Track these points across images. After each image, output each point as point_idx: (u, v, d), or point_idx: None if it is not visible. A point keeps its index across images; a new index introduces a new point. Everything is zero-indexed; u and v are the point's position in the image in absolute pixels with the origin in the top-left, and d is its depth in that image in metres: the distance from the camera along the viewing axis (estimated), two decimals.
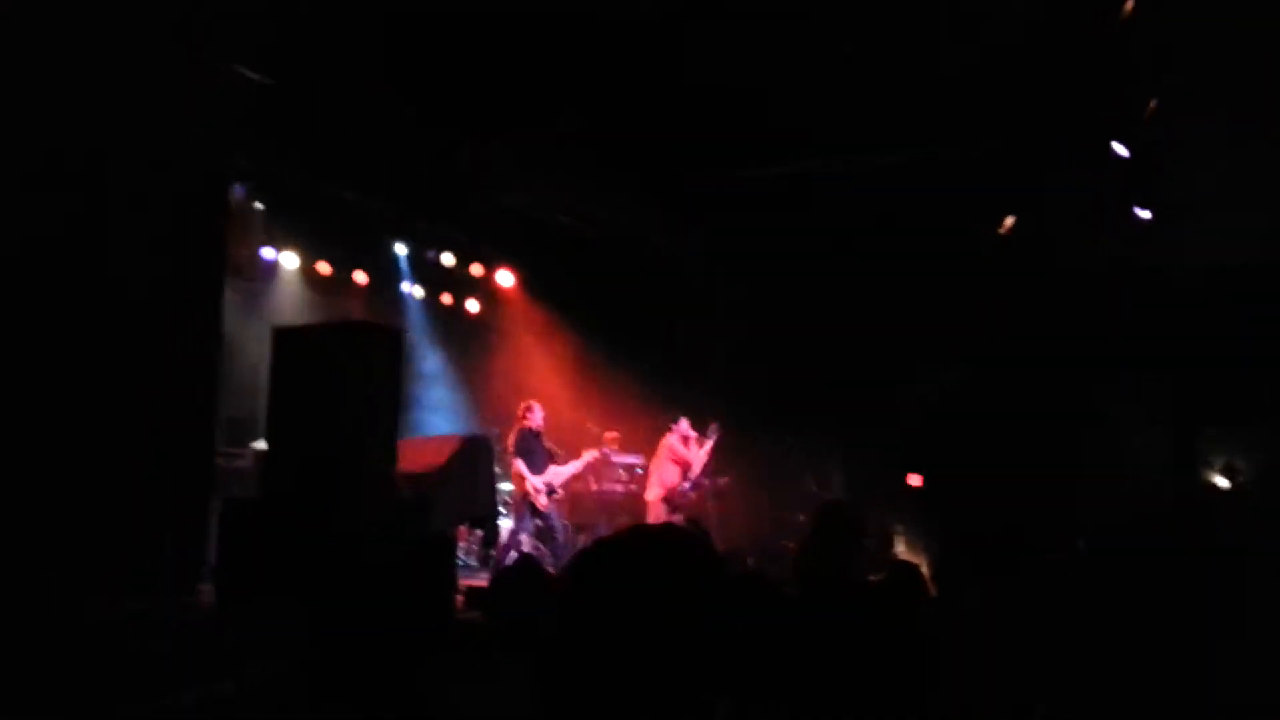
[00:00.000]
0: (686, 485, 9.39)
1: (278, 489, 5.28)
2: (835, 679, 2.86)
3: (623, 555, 1.32)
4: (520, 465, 8.66)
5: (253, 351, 8.90)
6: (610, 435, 9.95)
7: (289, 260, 9.72)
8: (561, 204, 10.47)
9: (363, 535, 4.92)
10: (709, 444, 9.36)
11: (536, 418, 8.80)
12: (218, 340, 6.28)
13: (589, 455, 9.23)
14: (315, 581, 4.69)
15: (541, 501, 8.63)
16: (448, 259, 10.86)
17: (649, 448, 9.93)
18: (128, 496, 5.34)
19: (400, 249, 10.58)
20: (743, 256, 11.42)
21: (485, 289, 11.48)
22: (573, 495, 9.34)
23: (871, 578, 4.90)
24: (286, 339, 5.69)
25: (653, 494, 9.36)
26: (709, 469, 9.53)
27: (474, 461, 7.47)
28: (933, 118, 8.02)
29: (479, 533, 9.00)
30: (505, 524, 9.06)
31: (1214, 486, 10.51)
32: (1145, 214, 8.99)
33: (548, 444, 8.95)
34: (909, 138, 8.39)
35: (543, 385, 10.50)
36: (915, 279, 10.60)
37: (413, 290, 10.97)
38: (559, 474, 8.86)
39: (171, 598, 5.32)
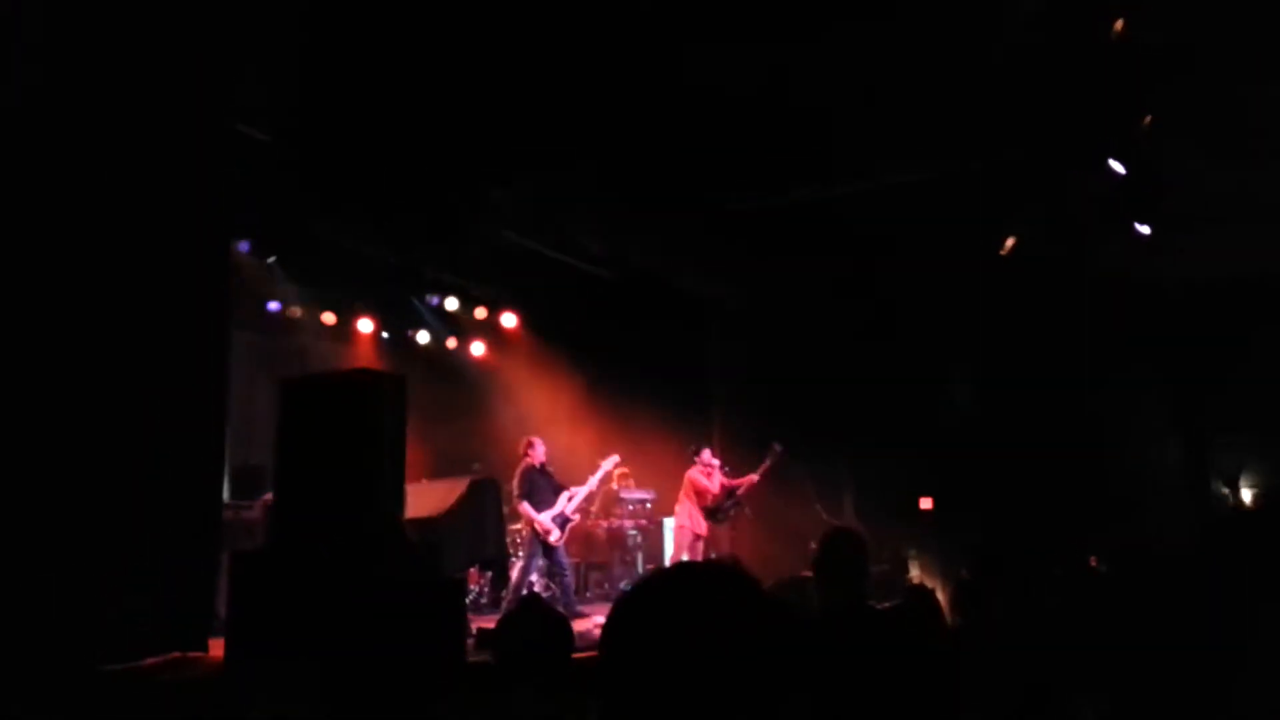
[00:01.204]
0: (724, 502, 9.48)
1: (286, 539, 5.27)
2: (851, 707, 2.83)
3: (670, 593, 1.32)
4: (525, 507, 8.65)
5: (260, 403, 8.95)
6: (621, 472, 9.94)
7: (294, 311, 9.80)
8: (562, 243, 10.53)
9: (372, 582, 4.90)
10: (765, 465, 9.51)
11: (538, 453, 8.82)
12: (224, 392, 6.31)
13: (607, 464, 9.22)
14: (326, 631, 4.67)
15: (553, 538, 8.60)
16: (451, 303, 10.94)
17: (659, 482, 9.93)
18: (135, 550, 5.33)
19: (405, 296, 10.66)
20: (746, 284, 11.46)
21: (490, 331, 11.53)
22: (584, 533, 9.34)
23: (886, 604, 4.85)
24: (293, 390, 5.72)
25: (676, 522, 9.43)
26: (753, 488, 9.62)
27: (482, 504, 7.47)
28: (930, 138, 8.07)
29: (489, 574, 8.97)
30: (518, 564, 9.04)
31: (1240, 503, 10.44)
32: (1145, 229, 9.01)
33: (554, 476, 8.96)
34: (908, 159, 8.45)
35: (550, 425, 10.51)
36: (920, 300, 10.61)
37: (418, 336, 11.03)
38: (575, 497, 8.86)
39: (182, 652, 5.29)
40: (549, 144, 8.04)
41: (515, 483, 8.77)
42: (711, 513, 9.41)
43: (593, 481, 9.16)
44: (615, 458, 9.35)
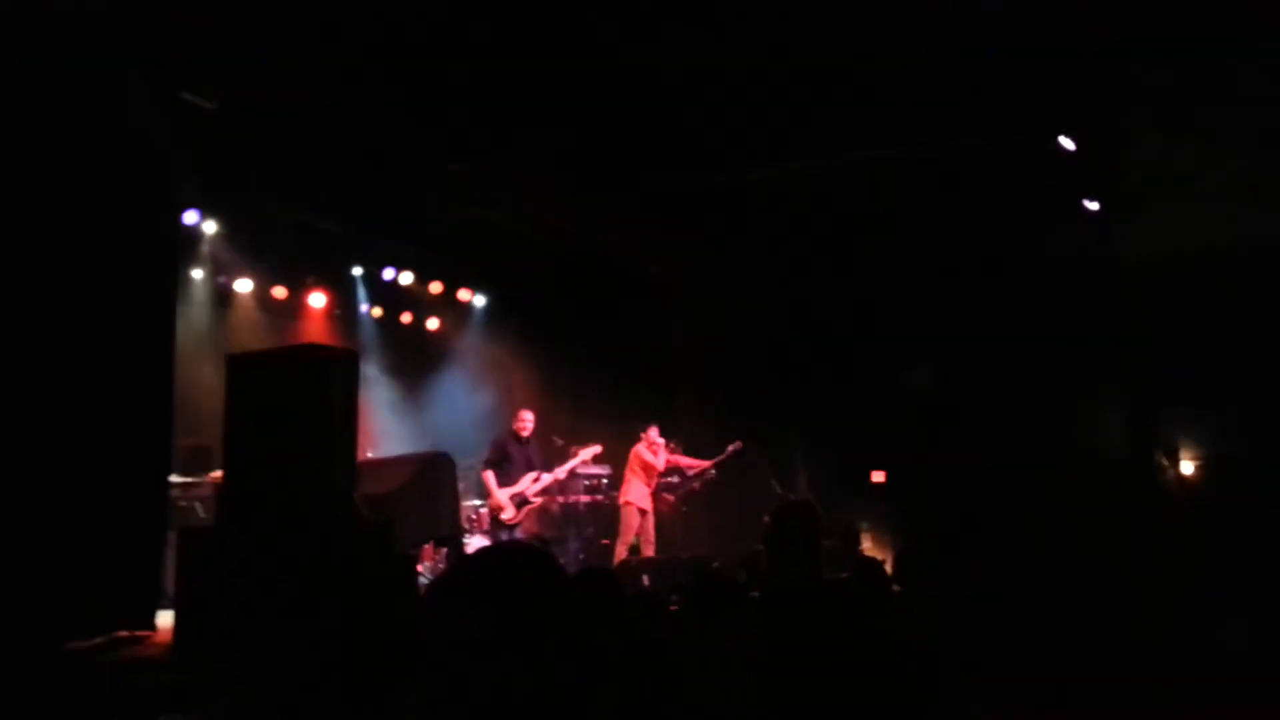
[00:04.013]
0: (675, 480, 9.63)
1: (235, 516, 5.20)
2: (800, 678, 2.86)
3: (472, 576, 1.40)
4: (486, 475, 8.64)
5: (208, 379, 8.80)
6: (575, 449, 9.93)
7: (243, 285, 9.63)
8: (520, 217, 10.45)
9: (323, 559, 4.86)
10: (719, 458, 9.80)
11: (519, 424, 8.82)
12: (170, 368, 6.19)
13: (585, 453, 9.25)
14: (276, 609, 4.62)
15: (506, 515, 8.59)
16: (406, 278, 10.81)
17: (616, 458, 9.95)
18: (81, 529, 5.24)
19: (357, 270, 10.51)
20: (702, 262, 11.47)
21: (445, 307, 11.42)
22: (539, 508, 9.33)
23: (840, 575, 4.90)
24: (241, 365, 5.62)
25: (623, 499, 9.48)
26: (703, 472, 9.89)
27: (435, 480, 7.42)
28: (888, 118, 8.10)
29: (444, 551, 8.95)
30: (480, 542, 9.01)
31: (1175, 472, 10.73)
32: (1094, 205, 9.15)
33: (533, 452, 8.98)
34: (867, 139, 8.48)
35: (507, 401, 10.47)
36: (875, 278, 10.70)
37: (371, 311, 10.89)
38: (541, 481, 8.85)
39: (129, 630, 5.22)
40: (506, 119, 7.95)
41: (488, 449, 8.80)
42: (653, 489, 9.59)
43: (562, 470, 9.17)
44: (596, 448, 9.38)
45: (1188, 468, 10.70)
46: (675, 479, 9.79)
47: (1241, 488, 9.50)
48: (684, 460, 9.77)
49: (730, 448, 9.81)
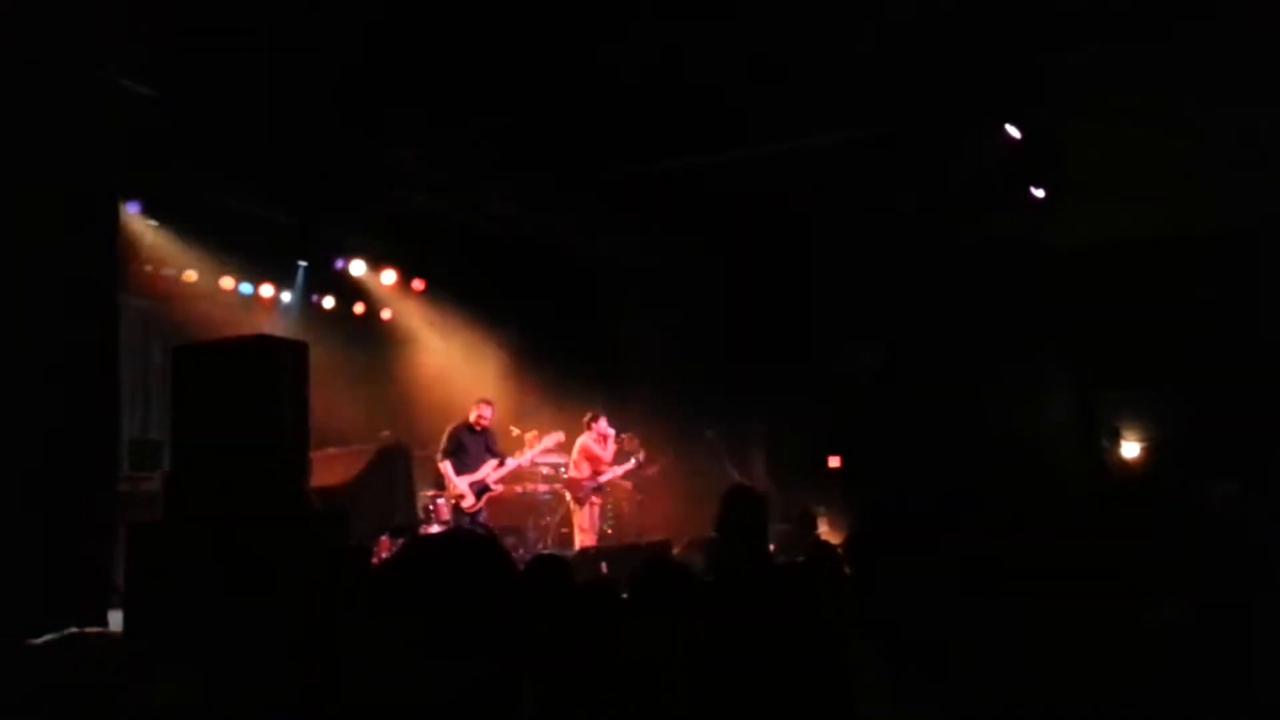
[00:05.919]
0: (594, 481, 9.57)
1: (184, 511, 5.15)
2: (748, 662, 2.89)
3: (407, 566, 1.41)
4: (444, 466, 8.61)
5: (155, 372, 8.69)
6: (531, 436, 9.93)
7: (191, 276, 9.49)
8: (473, 205, 10.38)
9: (275, 553, 4.82)
10: (629, 468, 9.72)
11: (476, 414, 8.79)
12: (115, 363, 6.10)
13: (548, 440, 9.22)
14: (228, 603, 4.59)
15: (467, 503, 8.58)
16: (357, 267, 10.70)
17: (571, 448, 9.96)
18: (29, 526, 5.16)
19: (306, 260, 10.39)
20: (655, 247, 11.48)
21: (398, 296, 11.33)
22: (496, 498, 9.33)
23: (795, 559, 4.95)
24: (188, 357, 5.56)
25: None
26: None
27: (390, 471, 7.41)
28: (836, 103, 8.14)
29: (400, 542, 8.92)
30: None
31: (1120, 457, 10.97)
32: (1039, 193, 9.28)
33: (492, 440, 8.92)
34: (815, 124, 8.52)
35: (462, 390, 10.42)
36: (826, 264, 10.79)
37: (322, 301, 10.78)
38: (503, 468, 8.84)
39: (80, 627, 5.15)
40: (450, 105, 7.89)
41: (442, 441, 8.78)
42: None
43: (528, 455, 9.16)
44: (559, 435, 9.34)
45: (1132, 450, 10.94)
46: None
47: (1185, 469, 9.74)
48: (614, 464, 9.73)
49: (634, 458, 9.73)
